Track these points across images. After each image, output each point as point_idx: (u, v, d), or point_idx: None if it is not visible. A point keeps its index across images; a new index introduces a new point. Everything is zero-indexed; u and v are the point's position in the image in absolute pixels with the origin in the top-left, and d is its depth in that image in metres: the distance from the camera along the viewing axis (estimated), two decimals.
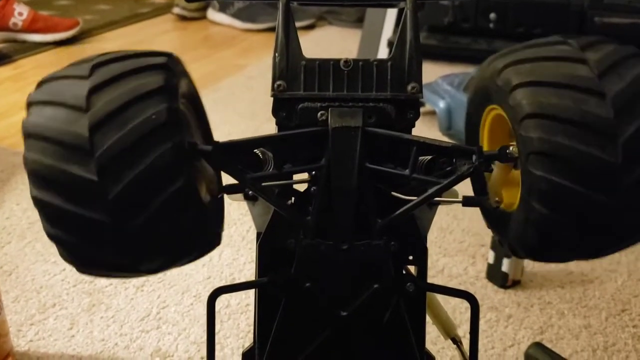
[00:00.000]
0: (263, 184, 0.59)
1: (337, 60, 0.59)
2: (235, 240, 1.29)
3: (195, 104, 0.58)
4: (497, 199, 0.57)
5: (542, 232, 0.50)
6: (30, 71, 2.28)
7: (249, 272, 1.21)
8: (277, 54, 0.59)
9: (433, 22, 2.46)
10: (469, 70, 1.99)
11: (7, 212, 1.40)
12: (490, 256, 1.18)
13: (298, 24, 3.46)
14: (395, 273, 0.59)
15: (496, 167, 0.57)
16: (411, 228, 0.61)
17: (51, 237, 0.48)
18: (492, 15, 2.41)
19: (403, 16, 0.59)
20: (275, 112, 0.59)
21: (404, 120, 0.59)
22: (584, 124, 0.47)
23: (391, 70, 0.58)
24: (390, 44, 2.39)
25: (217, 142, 0.55)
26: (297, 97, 0.58)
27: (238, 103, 2.03)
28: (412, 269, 0.65)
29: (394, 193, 0.61)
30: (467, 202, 0.59)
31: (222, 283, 1.17)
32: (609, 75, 0.48)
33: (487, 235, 1.25)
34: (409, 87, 0.58)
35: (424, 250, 0.62)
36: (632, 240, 0.50)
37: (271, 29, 2.74)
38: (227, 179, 0.56)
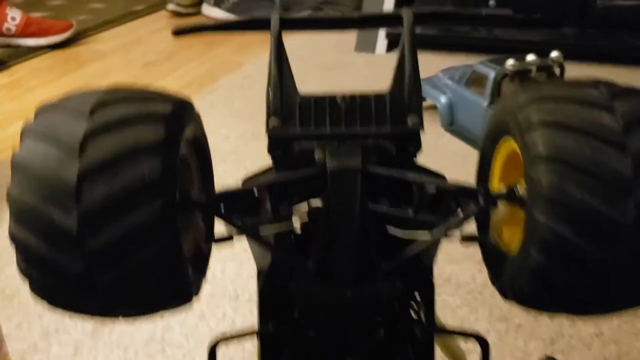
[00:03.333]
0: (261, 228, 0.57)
1: (334, 96, 0.57)
2: (238, 254, 1.27)
3: (201, 150, 0.56)
4: (497, 238, 0.55)
5: (535, 279, 0.47)
6: (25, 77, 2.25)
7: (252, 288, 1.19)
8: (270, 90, 0.56)
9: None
10: (470, 61, 1.95)
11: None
12: None
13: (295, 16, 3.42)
14: (402, 316, 0.57)
15: (502, 205, 0.54)
16: (416, 264, 0.59)
17: (22, 272, 0.47)
18: (492, 2, 2.37)
19: (400, 40, 0.57)
20: (271, 150, 0.57)
21: (406, 154, 0.57)
22: (599, 177, 0.44)
23: (390, 104, 0.56)
24: (389, 35, 2.35)
25: (213, 194, 0.53)
26: (294, 136, 0.56)
27: (235, 103, 2.00)
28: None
29: (394, 229, 0.58)
30: (466, 239, 0.57)
31: (226, 301, 1.15)
32: (635, 130, 0.45)
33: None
34: (410, 121, 0.56)
35: (431, 287, 0.60)
36: (626, 305, 0.48)
37: None
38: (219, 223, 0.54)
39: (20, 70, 2.33)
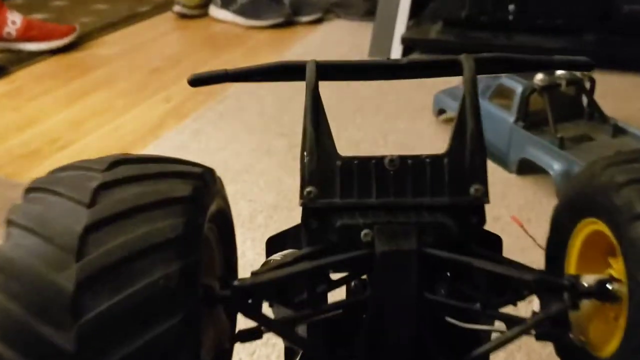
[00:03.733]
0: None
1: (380, 159, 0.48)
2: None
3: (224, 224, 0.48)
4: (581, 337, 0.46)
5: None
6: (26, 85, 2.16)
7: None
8: (306, 154, 0.48)
9: (449, 16, 2.33)
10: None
11: None
12: (535, 303, 1.07)
13: (305, 18, 3.32)
14: None
15: (585, 301, 0.46)
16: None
17: None
18: (511, 7, 2.27)
19: (462, 95, 0.48)
20: (307, 222, 0.48)
21: (467, 229, 0.48)
22: None
23: (449, 168, 0.47)
24: (404, 40, 2.26)
25: (237, 286, 0.44)
26: (334, 206, 0.48)
27: (247, 115, 1.91)
28: None
29: (452, 320, 0.50)
30: (541, 336, 0.48)
31: (240, 345, 1.06)
32: None
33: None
34: (472, 190, 0.47)
35: None
36: None
37: (277, 26, 2.61)
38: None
39: (21, 77, 2.24)
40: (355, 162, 0.48)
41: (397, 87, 2.06)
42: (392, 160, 0.48)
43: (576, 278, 0.45)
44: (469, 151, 0.48)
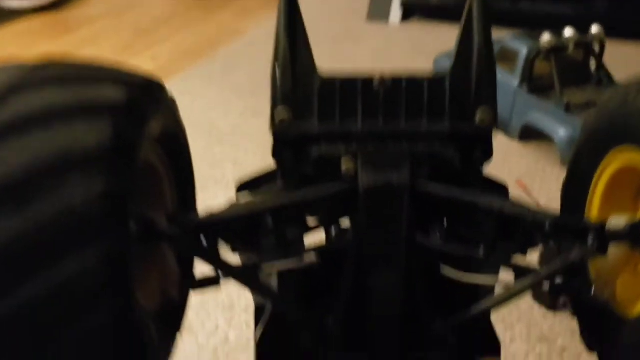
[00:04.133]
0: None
1: (369, 79, 0.39)
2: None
3: (175, 149, 0.39)
4: (606, 292, 0.38)
5: None
6: (9, 43, 2.06)
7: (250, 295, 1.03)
8: (278, 68, 0.40)
9: None
10: (494, 34, 1.76)
11: None
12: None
13: None
14: None
15: (613, 247, 0.37)
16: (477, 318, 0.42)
17: None
18: None
19: (466, 11, 0.40)
20: (278, 153, 0.40)
21: (470, 163, 0.40)
22: None
23: (451, 89, 0.39)
24: (404, 4, 2.16)
25: (188, 222, 0.36)
26: (311, 134, 0.39)
27: (236, 76, 1.82)
28: None
29: (448, 269, 0.42)
30: (557, 289, 0.40)
31: (219, 310, 0.99)
32: None
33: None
34: (478, 115, 0.39)
35: (497, 348, 0.44)
36: None
37: None
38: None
39: (3, 35, 2.14)
40: (338, 81, 0.39)
41: (395, 54, 1.97)
42: (383, 80, 0.39)
43: (603, 221, 0.36)
44: (476, 69, 0.39)
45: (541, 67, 1.47)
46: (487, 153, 0.40)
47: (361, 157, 0.38)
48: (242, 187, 0.46)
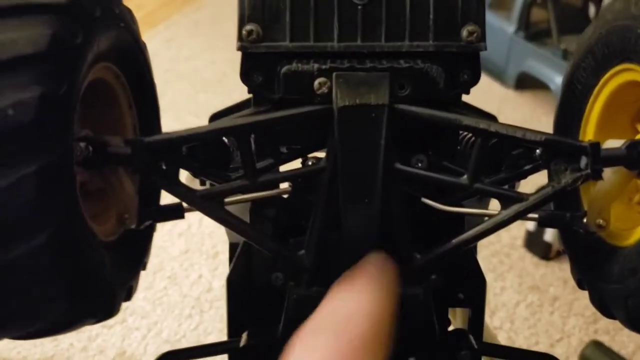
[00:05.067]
0: (226, 199, 0.37)
1: None
2: None
3: (134, 70, 0.36)
4: (599, 221, 0.35)
5: None
6: None
7: None
8: None
9: None
10: None
11: None
12: (530, 222, 0.97)
13: None
14: (441, 332, 0.38)
15: (609, 171, 0.34)
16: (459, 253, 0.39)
17: None
18: None
19: None
20: (246, 74, 0.37)
21: (455, 86, 0.37)
22: None
23: (436, 4, 0.36)
24: None
25: (141, 140, 0.33)
26: (280, 50, 0.36)
27: (225, 24, 1.77)
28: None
29: (429, 201, 0.39)
30: (546, 221, 0.37)
31: (203, 259, 0.97)
32: None
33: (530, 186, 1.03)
34: (465, 32, 0.36)
35: (482, 285, 0.41)
36: None
37: None
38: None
39: None
40: None
41: None
42: None
43: (597, 142, 0.33)
44: None
45: (538, 13, 1.43)
46: (475, 75, 0.36)
47: (336, 76, 0.34)
48: (214, 117, 0.43)
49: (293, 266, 0.36)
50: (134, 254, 0.37)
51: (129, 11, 0.36)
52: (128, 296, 0.36)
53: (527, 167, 0.38)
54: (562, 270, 0.95)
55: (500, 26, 1.46)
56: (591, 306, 0.85)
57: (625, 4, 0.33)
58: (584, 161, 0.33)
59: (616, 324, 0.82)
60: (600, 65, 0.35)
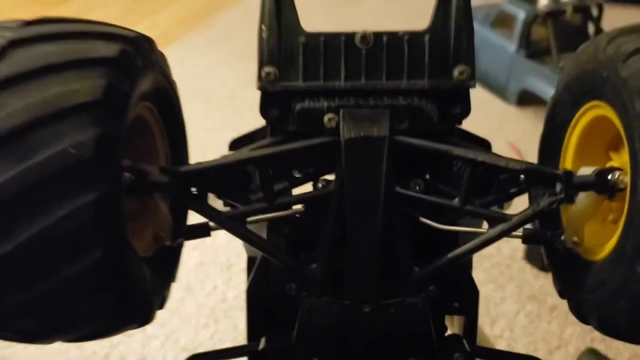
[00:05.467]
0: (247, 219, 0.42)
1: (351, 35, 0.41)
2: None
3: (166, 105, 0.41)
4: (575, 238, 0.40)
5: None
6: (7, 10, 2.06)
7: None
8: (264, 27, 0.41)
9: None
10: (495, 0, 1.76)
11: None
12: None
13: None
14: (437, 337, 0.42)
15: (583, 194, 0.39)
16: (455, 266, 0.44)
17: None
18: None
19: None
20: (265, 110, 0.42)
21: (448, 119, 0.41)
22: None
23: (430, 47, 0.40)
24: None
25: (177, 170, 0.38)
26: (294, 90, 0.41)
27: (235, 42, 1.82)
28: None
29: (427, 221, 0.43)
30: (529, 239, 0.42)
31: (217, 271, 1.01)
32: None
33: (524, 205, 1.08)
34: (456, 72, 0.41)
35: (475, 295, 0.45)
36: None
37: None
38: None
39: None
40: (322, 38, 0.40)
41: (394, 16, 1.96)
42: (365, 36, 0.40)
43: (571, 171, 0.38)
44: (454, 27, 0.40)
45: (539, 31, 1.48)
46: (465, 109, 0.41)
47: (343, 112, 0.39)
48: (234, 144, 0.48)
49: (305, 278, 0.41)
50: (166, 267, 0.41)
51: (162, 55, 0.41)
52: (161, 305, 0.41)
53: (512, 191, 0.43)
54: None
55: (502, 45, 1.50)
56: None
57: (594, 50, 0.38)
58: (558, 187, 0.37)
59: None
60: (575, 101, 0.40)
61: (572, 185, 0.37)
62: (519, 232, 0.40)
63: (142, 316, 0.38)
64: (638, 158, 0.33)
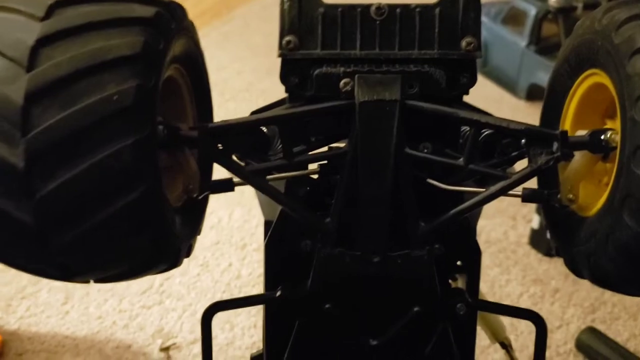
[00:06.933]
0: (267, 177, 0.45)
1: (367, 7, 0.44)
2: (247, 199, 1.16)
3: (195, 70, 0.45)
4: (570, 196, 0.43)
5: (628, 258, 0.37)
6: None
7: (261, 237, 1.09)
8: (285, 1, 0.45)
9: None
10: None
11: None
12: (535, 221, 1.04)
13: None
14: (441, 290, 0.46)
15: (578, 155, 0.42)
16: (460, 225, 0.47)
17: None
18: None
19: None
20: (285, 76, 0.45)
21: (456, 87, 0.45)
22: None
23: (440, 19, 0.44)
24: None
25: (206, 126, 0.41)
26: (313, 57, 0.44)
27: (252, 36, 1.87)
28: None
29: (433, 181, 0.47)
30: (528, 197, 0.45)
31: (232, 250, 1.05)
32: None
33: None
34: (464, 43, 0.44)
35: (477, 254, 0.49)
36: None
37: None
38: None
39: None
40: (339, 9, 0.44)
41: None
42: (380, 8, 0.44)
43: (565, 130, 0.41)
44: (463, 2, 0.44)
45: (549, 27, 1.50)
46: (472, 79, 0.45)
47: (358, 77, 0.43)
48: (254, 113, 0.51)
49: (320, 231, 0.44)
50: (194, 218, 0.45)
51: (192, 24, 0.44)
52: (188, 253, 0.44)
53: (514, 154, 0.46)
54: (564, 265, 1.02)
55: (513, 40, 1.53)
56: (589, 297, 0.93)
57: (591, 22, 0.41)
58: (555, 146, 0.41)
59: (612, 313, 0.89)
60: (573, 70, 0.43)
61: (568, 144, 0.40)
62: (519, 191, 0.43)
63: (171, 259, 0.41)
64: (627, 115, 0.36)
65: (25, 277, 1.01)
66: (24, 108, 0.33)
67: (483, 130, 0.46)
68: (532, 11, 1.50)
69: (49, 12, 0.36)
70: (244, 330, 0.90)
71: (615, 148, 0.39)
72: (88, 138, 0.34)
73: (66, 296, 0.97)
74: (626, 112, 0.35)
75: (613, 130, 0.39)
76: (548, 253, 1.04)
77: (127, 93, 0.34)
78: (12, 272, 1.01)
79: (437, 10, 0.44)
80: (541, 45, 1.49)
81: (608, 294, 0.97)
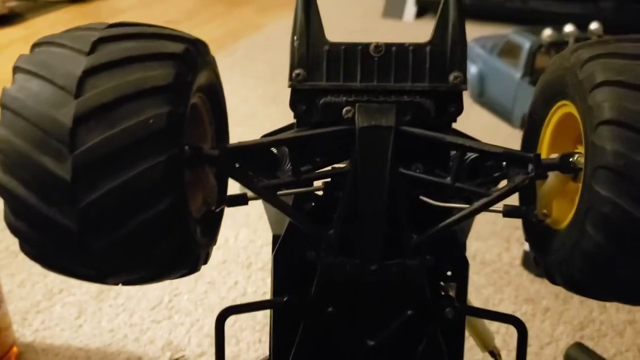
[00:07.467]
0: (278, 192, 0.51)
1: (366, 45, 0.50)
2: (253, 220, 1.22)
3: (215, 100, 0.50)
4: (544, 211, 0.48)
5: (591, 264, 0.41)
6: (42, 31, 2.19)
7: (266, 257, 1.14)
8: (296, 38, 0.50)
9: None
10: (503, 31, 1.86)
11: None
12: (527, 244, 1.09)
13: None
14: (432, 296, 0.51)
15: (552, 175, 0.48)
16: (449, 239, 0.53)
17: (10, 227, 0.41)
18: None
19: None
20: (294, 104, 0.51)
21: (444, 115, 0.50)
22: None
23: (431, 56, 0.49)
24: (418, 1, 2.27)
25: (225, 146, 0.47)
26: (319, 88, 0.50)
27: (256, 65, 1.94)
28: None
29: (425, 198, 0.52)
30: (509, 213, 0.50)
31: (239, 268, 1.10)
32: None
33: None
34: (452, 77, 0.49)
35: (465, 265, 0.54)
36: None
37: None
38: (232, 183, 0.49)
39: (37, 23, 2.27)
40: (342, 47, 0.50)
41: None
42: (378, 46, 0.50)
43: (539, 154, 0.47)
44: (451, 41, 0.49)
45: (543, 60, 1.57)
46: (459, 108, 0.50)
47: (358, 106, 0.49)
48: (266, 136, 0.57)
49: (323, 242, 0.50)
50: (211, 229, 0.50)
51: (214, 58, 0.50)
52: (205, 260, 0.49)
53: (496, 175, 0.51)
54: (554, 286, 1.07)
55: (508, 72, 1.60)
56: (578, 315, 0.98)
57: (561, 60, 0.47)
58: (530, 167, 0.46)
59: (600, 331, 0.94)
60: (547, 102, 0.49)
61: (541, 165, 0.46)
62: (501, 207, 0.49)
63: (192, 264, 0.46)
64: (589, 140, 0.41)
65: (40, 292, 1.06)
66: (72, 129, 0.39)
67: (469, 154, 0.51)
68: (527, 45, 1.56)
69: (93, 48, 0.41)
70: (249, 345, 0.95)
71: (582, 169, 0.44)
72: (126, 156, 0.39)
73: (79, 311, 1.02)
74: (588, 138, 0.41)
75: (580, 154, 0.44)
76: (539, 274, 1.08)
77: (161, 118, 0.40)
78: (28, 287, 1.06)
79: (428, 48, 0.49)
80: (535, 76, 1.56)
81: (596, 313, 1.02)
